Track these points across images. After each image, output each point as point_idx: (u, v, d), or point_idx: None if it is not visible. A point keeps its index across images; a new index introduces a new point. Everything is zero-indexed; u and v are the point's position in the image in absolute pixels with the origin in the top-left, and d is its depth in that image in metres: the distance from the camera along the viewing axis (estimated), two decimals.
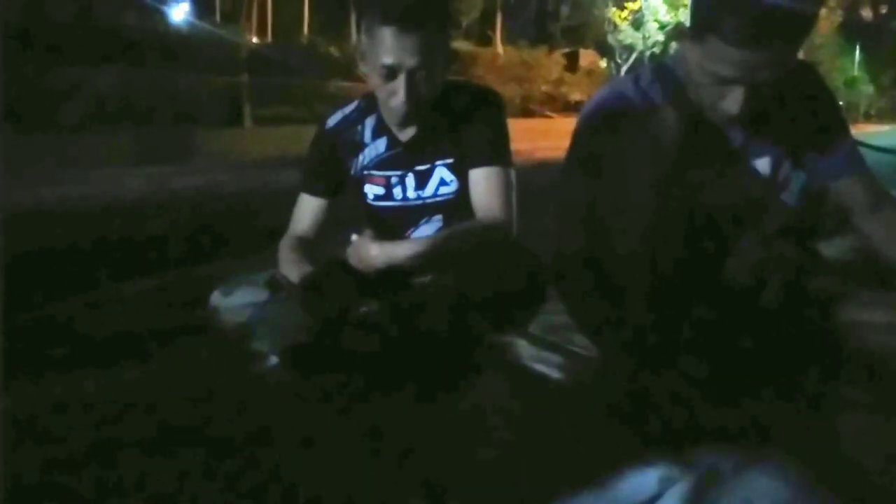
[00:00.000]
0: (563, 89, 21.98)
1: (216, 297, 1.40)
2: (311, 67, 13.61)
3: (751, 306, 1.14)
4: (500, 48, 24.27)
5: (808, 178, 1.25)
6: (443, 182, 1.45)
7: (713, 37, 1.01)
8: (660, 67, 1.22)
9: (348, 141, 1.49)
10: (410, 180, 1.46)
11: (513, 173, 1.45)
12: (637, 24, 26.85)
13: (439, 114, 1.41)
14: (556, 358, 1.39)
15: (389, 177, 1.47)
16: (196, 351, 1.43)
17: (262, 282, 1.39)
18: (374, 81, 1.34)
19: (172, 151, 9.74)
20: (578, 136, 1.23)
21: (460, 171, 1.44)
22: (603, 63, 26.86)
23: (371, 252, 1.42)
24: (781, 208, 1.21)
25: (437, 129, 1.43)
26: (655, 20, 27.23)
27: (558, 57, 23.89)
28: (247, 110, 12.48)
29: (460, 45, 24.53)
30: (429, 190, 1.46)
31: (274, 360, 1.35)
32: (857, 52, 34.49)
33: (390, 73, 1.29)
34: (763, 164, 1.23)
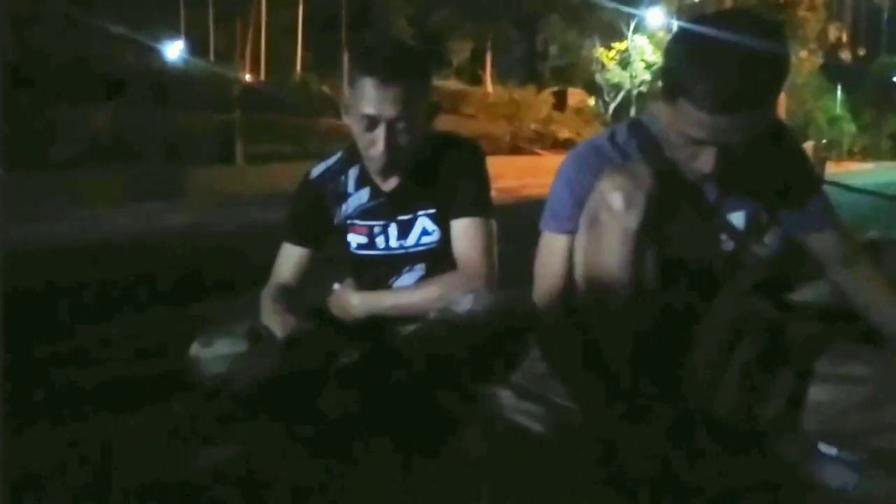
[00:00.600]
0: (552, 127, 22.32)
1: (195, 348, 1.38)
2: (304, 105, 13.77)
3: (727, 359, 1.17)
4: (490, 87, 24.69)
5: (782, 232, 1.29)
6: (425, 232, 1.48)
7: (684, 101, 1.05)
8: (635, 124, 1.26)
9: (332, 191, 1.51)
10: (393, 230, 1.49)
11: (494, 223, 1.48)
12: (624, 63, 27.39)
13: (422, 165, 1.45)
14: (537, 409, 1.40)
15: (372, 226, 1.49)
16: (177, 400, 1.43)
17: (242, 332, 1.38)
18: (356, 131, 1.38)
19: (164, 189, 9.77)
20: (556, 191, 1.26)
21: (443, 221, 1.47)
22: (591, 101, 27.32)
23: (352, 302, 1.45)
24: (756, 263, 1.25)
25: (420, 179, 1.46)
26: (642, 60, 27.82)
27: (547, 96, 24.30)
28: (238, 148, 12.57)
29: (451, 84, 24.92)
30: (411, 239, 1.48)
31: (255, 410, 1.35)
32: (839, 92, 35.29)
33: (371, 123, 1.33)
34: (738, 219, 1.27)
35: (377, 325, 1.45)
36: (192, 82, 13.76)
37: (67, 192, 9.01)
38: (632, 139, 1.23)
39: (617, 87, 27.51)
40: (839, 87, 34.42)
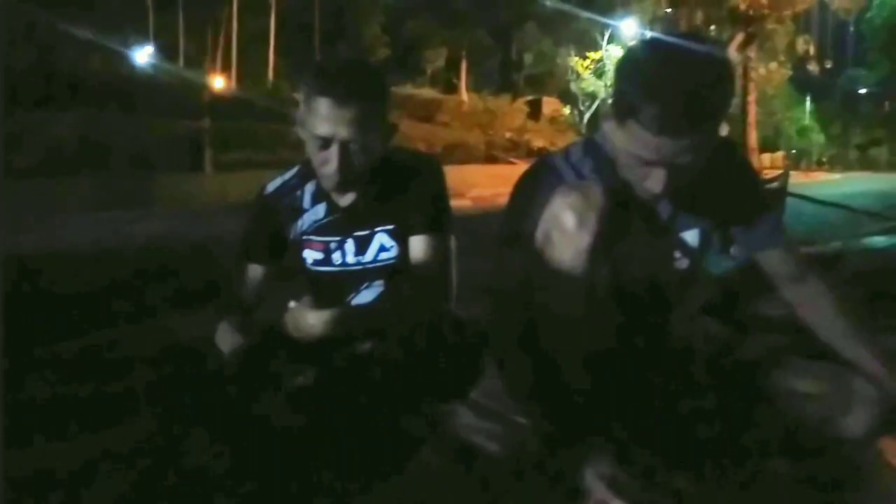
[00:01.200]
0: (527, 136, 22.48)
1: None
2: (275, 113, 13.67)
3: (680, 376, 1.15)
4: (464, 95, 24.79)
5: (736, 250, 1.28)
6: (383, 248, 1.45)
7: (633, 122, 1.05)
8: (589, 143, 1.24)
9: (287, 206, 1.48)
10: (350, 246, 1.45)
11: (453, 240, 1.45)
12: (599, 72, 27.73)
13: (379, 180, 1.41)
14: (495, 427, 1.37)
15: (328, 242, 1.46)
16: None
17: None
18: (310, 149, 1.34)
19: (132, 197, 9.61)
20: (511, 209, 1.24)
21: (401, 237, 1.44)
22: (566, 110, 27.57)
23: (308, 320, 1.40)
24: (708, 281, 1.24)
25: (377, 195, 1.43)
26: None
27: (521, 105, 24.46)
28: (208, 155, 12.41)
29: (425, 92, 25.00)
30: (369, 255, 1.45)
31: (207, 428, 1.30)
32: (808, 103, 36.08)
33: (325, 142, 1.30)
34: (691, 237, 1.26)
35: (332, 344, 1.41)
36: (161, 89, 13.59)
37: (32, 200, 8.81)
38: (586, 158, 1.22)
39: (592, 97, 27.80)
40: (808, 99, 35.22)
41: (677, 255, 1.26)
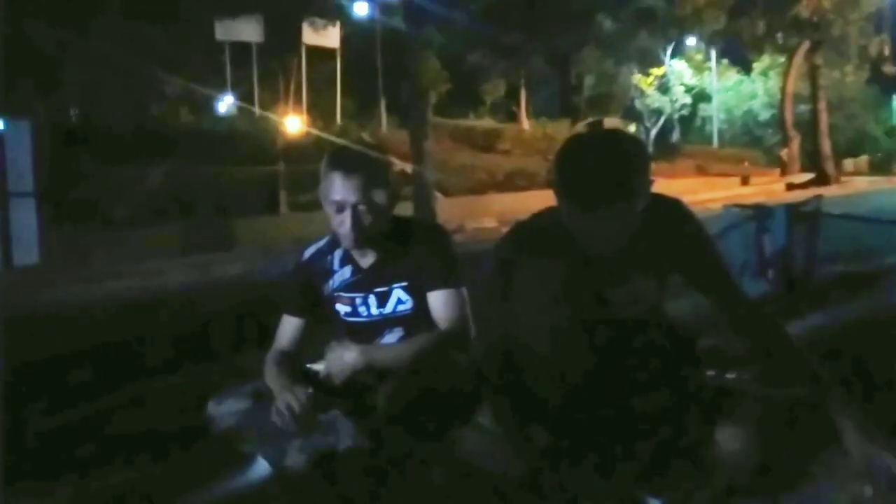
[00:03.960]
0: None
1: (211, 405, 1.65)
2: None
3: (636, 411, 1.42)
4: (525, 123, 25.04)
5: (687, 290, 1.54)
6: (400, 301, 1.75)
7: (564, 202, 1.33)
8: (555, 209, 1.46)
9: (320, 269, 1.80)
10: (372, 300, 1.75)
11: (464, 290, 1.74)
12: (663, 88, 27.42)
13: (393, 245, 1.74)
14: (501, 448, 1.59)
15: (354, 297, 1.77)
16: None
17: (247, 392, 1.68)
18: (330, 214, 1.68)
19: (215, 241, 10.37)
20: (488, 264, 1.53)
21: (415, 292, 1.74)
22: (632, 128, 27.26)
23: (351, 355, 1.69)
24: (661, 322, 1.50)
25: (392, 258, 1.74)
26: (682, 84, 27.82)
27: (582, 128, 24.42)
28: (283, 197, 13.22)
29: (486, 122, 25.36)
30: (388, 308, 1.76)
31: (260, 460, 1.63)
32: (895, 102, 34.10)
33: (339, 207, 1.64)
34: (647, 284, 1.50)
35: (360, 384, 1.70)
36: (239, 137, 14.53)
37: (128, 248, 9.64)
38: (550, 220, 1.51)
39: (657, 113, 27.53)
40: (894, 99, 33.34)
41: (635, 298, 1.50)
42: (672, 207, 1.51)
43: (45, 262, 9.47)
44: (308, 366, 1.78)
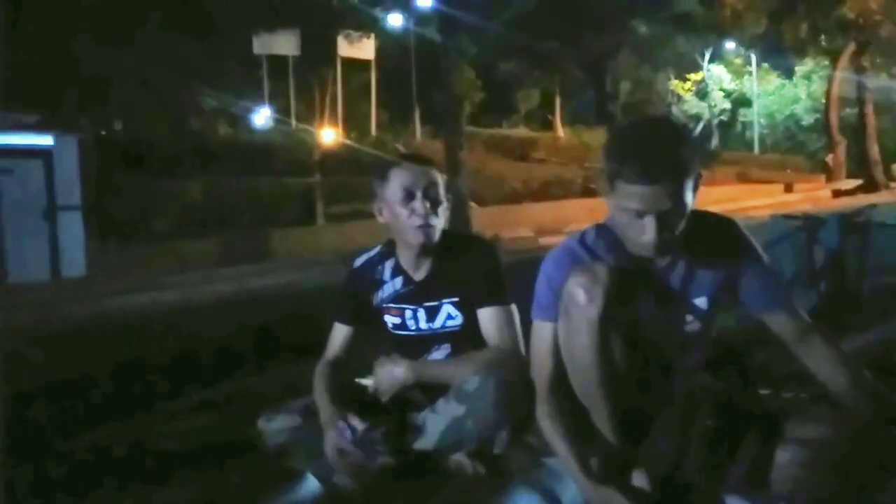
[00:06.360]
0: None
1: (262, 422, 1.69)
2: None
3: (687, 429, 1.36)
4: (560, 131, 24.91)
5: (743, 312, 1.48)
6: (449, 317, 1.74)
7: (620, 181, 1.33)
8: (601, 227, 1.49)
9: (371, 279, 1.80)
10: (422, 314, 1.76)
11: (513, 308, 1.71)
12: (701, 93, 27.02)
13: (445, 259, 1.73)
14: (550, 467, 1.57)
15: (404, 310, 1.77)
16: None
17: (297, 409, 1.69)
18: (396, 215, 1.69)
19: (253, 252, 10.52)
20: (539, 285, 1.50)
21: (465, 308, 1.73)
22: None
23: (398, 373, 1.67)
24: (704, 342, 1.44)
25: (444, 272, 1.74)
26: (720, 89, 27.39)
27: None
28: (319, 209, 13.36)
29: (520, 131, 25.30)
30: (437, 322, 1.75)
31: (310, 476, 1.63)
32: None
33: (410, 197, 1.68)
34: (702, 302, 1.47)
35: (408, 401, 1.70)
36: (276, 149, 14.76)
37: (168, 260, 9.84)
38: (599, 240, 1.47)
39: (696, 118, 27.14)
40: None
41: (689, 318, 1.48)
42: (725, 226, 1.49)
43: (92, 274, 9.72)
44: (357, 380, 1.77)
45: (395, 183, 1.67)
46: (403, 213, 1.66)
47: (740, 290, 1.47)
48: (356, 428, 1.56)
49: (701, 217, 1.45)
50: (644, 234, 1.34)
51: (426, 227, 1.66)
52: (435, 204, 1.67)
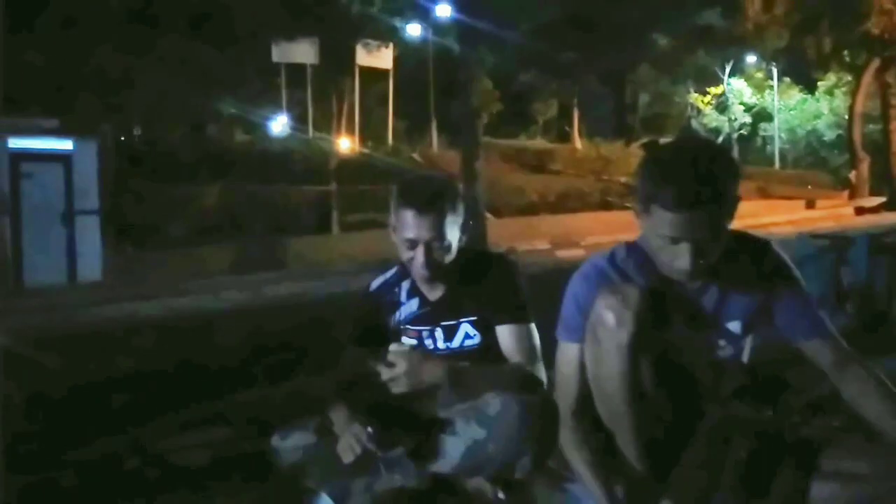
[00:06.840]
0: None
1: (275, 440, 1.64)
2: (396, 173, 14.46)
3: (721, 458, 1.28)
4: (577, 143, 24.78)
5: (779, 338, 1.40)
6: (468, 336, 1.69)
7: (656, 206, 1.26)
8: (632, 246, 1.43)
9: (387, 300, 1.75)
10: (439, 334, 1.70)
11: (533, 326, 1.65)
12: (721, 107, 26.83)
13: (462, 277, 1.67)
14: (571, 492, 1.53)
15: (421, 331, 1.72)
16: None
17: (313, 426, 1.63)
18: (401, 250, 1.63)
19: (268, 260, 10.52)
20: (566, 306, 1.44)
21: (483, 327, 1.67)
22: None
23: (429, 368, 1.53)
24: (736, 370, 1.37)
25: (461, 291, 1.68)
26: (741, 103, 27.16)
27: (636, 149, 24.05)
28: (335, 217, 13.35)
29: (538, 142, 25.22)
30: (456, 342, 1.69)
31: (325, 496, 1.56)
32: None
33: (412, 244, 1.59)
34: (735, 327, 1.40)
35: (426, 419, 1.62)
36: (293, 157, 14.81)
37: (184, 266, 9.86)
38: (629, 259, 1.40)
39: (716, 132, 26.92)
40: None
41: (722, 342, 1.40)
42: (761, 248, 1.42)
43: (108, 279, 9.76)
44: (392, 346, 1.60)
45: (401, 224, 1.61)
46: (407, 255, 1.63)
47: (775, 315, 1.40)
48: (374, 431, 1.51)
49: (736, 238, 1.38)
50: (678, 259, 1.28)
51: (427, 271, 1.61)
52: (440, 252, 1.60)
